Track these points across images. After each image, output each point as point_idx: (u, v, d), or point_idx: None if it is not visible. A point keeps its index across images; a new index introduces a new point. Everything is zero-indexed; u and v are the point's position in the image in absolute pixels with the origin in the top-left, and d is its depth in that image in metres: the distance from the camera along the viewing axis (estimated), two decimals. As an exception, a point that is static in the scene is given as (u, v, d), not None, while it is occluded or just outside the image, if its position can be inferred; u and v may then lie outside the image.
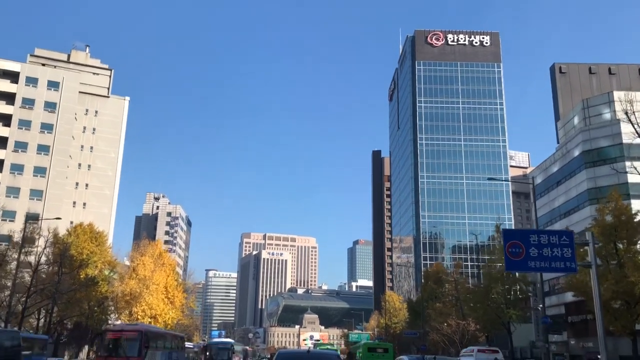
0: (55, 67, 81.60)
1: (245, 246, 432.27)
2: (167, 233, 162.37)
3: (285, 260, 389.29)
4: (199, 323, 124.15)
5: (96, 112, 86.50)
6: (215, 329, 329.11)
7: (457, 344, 48.45)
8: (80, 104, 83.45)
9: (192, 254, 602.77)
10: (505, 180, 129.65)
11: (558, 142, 62.18)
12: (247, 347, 55.78)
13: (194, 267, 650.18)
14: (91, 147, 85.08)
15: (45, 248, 44.20)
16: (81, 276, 48.52)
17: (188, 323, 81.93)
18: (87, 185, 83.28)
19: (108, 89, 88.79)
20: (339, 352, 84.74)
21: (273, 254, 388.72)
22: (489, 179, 31.00)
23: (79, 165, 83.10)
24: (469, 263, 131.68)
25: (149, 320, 58.10)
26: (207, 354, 47.77)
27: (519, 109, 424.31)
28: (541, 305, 38.33)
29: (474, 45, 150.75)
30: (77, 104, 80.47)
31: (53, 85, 77.04)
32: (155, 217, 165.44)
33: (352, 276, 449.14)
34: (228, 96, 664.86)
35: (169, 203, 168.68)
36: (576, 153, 56.76)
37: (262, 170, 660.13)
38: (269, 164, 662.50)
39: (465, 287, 58.05)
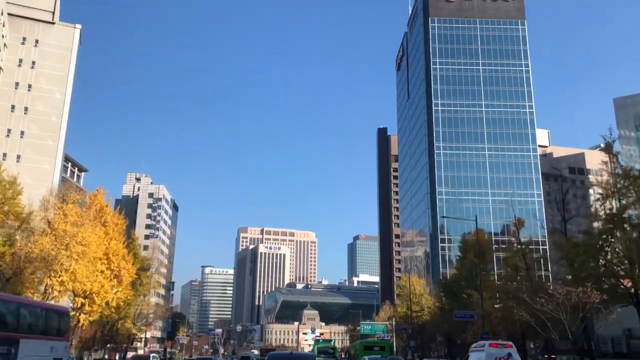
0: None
1: (242, 241, 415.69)
2: (149, 216, 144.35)
3: (284, 255, 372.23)
4: (168, 312, 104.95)
5: (37, 41, 68.27)
6: (212, 326, 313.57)
7: (565, 324, 30.26)
8: (14, 30, 65.46)
9: (187, 250, 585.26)
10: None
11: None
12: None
13: (189, 264, 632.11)
14: (29, 85, 66.91)
15: None
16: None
17: (153, 310, 64.24)
18: (22, 132, 65.21)
19: (53, 13, 70.50)
20: (337, 349, 68.50)
21: (271, 248, 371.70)
22: None
23: (12, 107, 64.98)
24: (493, 246, 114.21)
25: (82, 300, 40.14)
26: None
27: (539, 80, 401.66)
28: None
29: (495, 0, 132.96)
30: (4, 24, 62.48)
31: (-37, -10, 59.21)
32: (136, 200, 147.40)
33: (352, 272, 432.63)
34: (215, 65, 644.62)
35: (151, 183, 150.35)
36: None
37: (258, 162, 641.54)
38: (266, 156, 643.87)
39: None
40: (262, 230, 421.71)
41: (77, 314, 40.44)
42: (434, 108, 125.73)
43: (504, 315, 38.70)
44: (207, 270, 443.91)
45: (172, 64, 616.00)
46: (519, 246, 41.06)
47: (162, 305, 79.56)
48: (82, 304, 40.33)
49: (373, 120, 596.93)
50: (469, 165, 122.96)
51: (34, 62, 67.80)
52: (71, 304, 40.26)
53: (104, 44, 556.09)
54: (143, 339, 66.47)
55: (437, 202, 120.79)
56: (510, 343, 31.79)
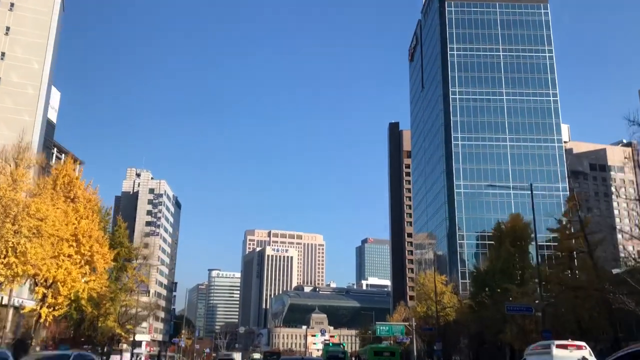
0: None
1: (249, 244, 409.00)
2: (149, 213, 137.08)
3: (291, 257, 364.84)
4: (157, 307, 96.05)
5: (12, 5, 61.18)
6: (219, 330, 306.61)
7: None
8: (-14, -9, 58.85)
9: (194, 254, 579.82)
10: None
11: None
12: None
13: (196, 267, 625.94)
14: (2, 54, 59.81)
15: None
16: None
17: (144, 308, 56.72)
18: (-6, 106, 58.46)
19: (30, -26, 63.81)
20: (347, 354, 63.45)
21: (278, 250, 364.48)
22: None
23: (-17, 77, 58.35)
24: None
25: (44, 291, 32.76)
26: None
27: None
28: None
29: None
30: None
31: None
32: (136, 196, 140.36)
33: (361, 275, 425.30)
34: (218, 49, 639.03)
35: (151, 178, 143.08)
36: None
37: (264, 165, 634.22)
38: (272, 159, 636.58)
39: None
40: (269, 233, 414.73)
41: (38, 307, 33.16)
42: (451, 97, 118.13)
43: (569, 309, 31.08)
44: (214, 273, 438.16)
45: (176, 59, 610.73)
46: (580, 224, 33.37)
47: (154, 304, 71.98)
48: (45, 295, 33.00)
49: (384, 120, 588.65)
50: (489, 157, 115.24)
51: (8, 28, 60.83)
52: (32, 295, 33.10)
53: (99, 24, 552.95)
54: (131, 341, 59.17)
55: (455, 197, 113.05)
56: (583, 343, 24.44)
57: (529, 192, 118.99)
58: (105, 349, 51.18)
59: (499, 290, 47.21)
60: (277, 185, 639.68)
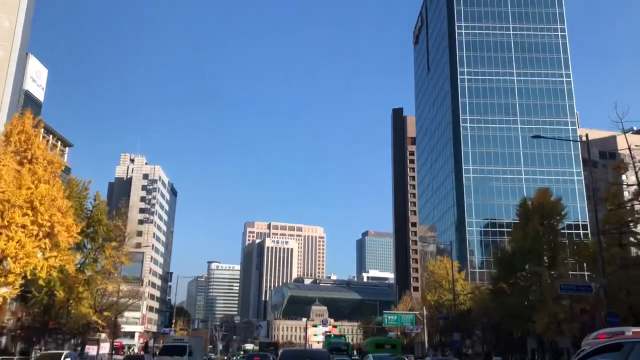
0: None
1: (249, 236, 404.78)
2: (143, 199, 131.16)
3: (291, 249, 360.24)
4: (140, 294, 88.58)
5: (-21, -45, 55.76)
6: (218, 322, 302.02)
7: None
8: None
9: (194, 246, 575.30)
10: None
11: None
12: None
13: (196, 260, 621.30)
14: (-33, 10, 54.41)
15: None
16: None
17: (124, 291, 51.03)
18: (-44, 67, 52.69)
19: None
20: (350, 346, 59.43)
21: (278, 242, 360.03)
22: None
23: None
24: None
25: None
26: None
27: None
28: None
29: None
30: None
31: None
32: (129, 182, 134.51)
33: (361, 268, 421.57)
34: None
35: (145, 163, 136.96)
36: None
37: (264, 156, 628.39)
38: (272, 150, 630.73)
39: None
40: (269, 225, 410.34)
41: (-15, 287, 27.63)
42: (459, 77, 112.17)
43: (620, 290, 25.45)
44: (214, 266, 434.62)
45: (174, 51, 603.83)
46: (639, 186, 27.54)
47: (135, 290, 66.27)
48: (-5, 272, 27.44)
49: (385, 110, 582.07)
50: (499, 140, 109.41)
51: (-27, -19, 55.24)
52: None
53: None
54: (114, 331, 53.68)
55: (464, 182, 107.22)
56: None
57: (541, 176, 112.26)
58: (79, 339, 45.82)
59: (526, 274, 41.55)
60: (275, 177, 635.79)
